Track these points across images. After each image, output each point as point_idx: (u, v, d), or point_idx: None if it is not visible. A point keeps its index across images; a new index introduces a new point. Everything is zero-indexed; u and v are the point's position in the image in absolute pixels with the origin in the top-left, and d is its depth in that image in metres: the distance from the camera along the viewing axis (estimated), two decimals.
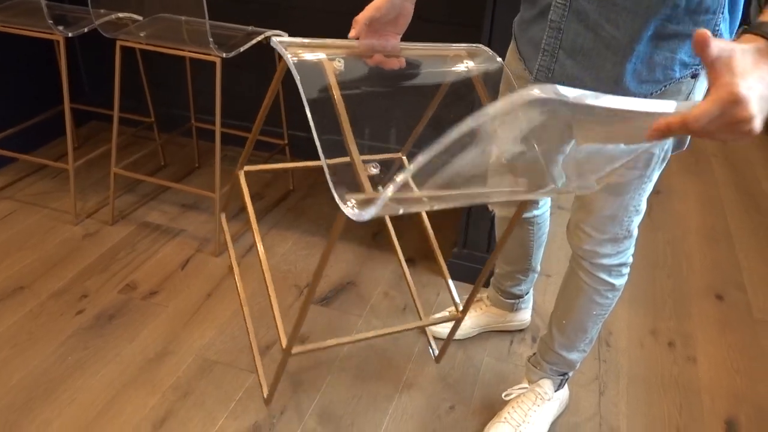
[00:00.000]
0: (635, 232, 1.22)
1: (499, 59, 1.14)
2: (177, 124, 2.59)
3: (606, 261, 1.23)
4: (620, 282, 1.28)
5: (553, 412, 1.46)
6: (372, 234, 2.11)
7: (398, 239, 2.08)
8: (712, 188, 2.54)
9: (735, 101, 0.64)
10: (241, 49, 1.86)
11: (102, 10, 1.98)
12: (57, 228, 2.06)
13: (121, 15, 2.03)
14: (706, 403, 1.56)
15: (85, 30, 1.95)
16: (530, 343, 1.70)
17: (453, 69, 1.17)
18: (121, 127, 2.06)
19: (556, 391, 1.45)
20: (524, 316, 1.72)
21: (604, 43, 0.96)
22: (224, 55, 1.81)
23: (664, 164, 1.13)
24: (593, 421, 1.49)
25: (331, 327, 1.72)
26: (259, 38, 1.96)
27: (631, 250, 1.25)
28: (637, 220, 1.20)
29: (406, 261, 1.99)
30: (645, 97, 0.99)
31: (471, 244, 1.88)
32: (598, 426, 1.48)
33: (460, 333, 1.68)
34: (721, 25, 0.94)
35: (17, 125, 2.37)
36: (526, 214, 1.47)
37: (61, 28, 1.91)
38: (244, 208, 2.20)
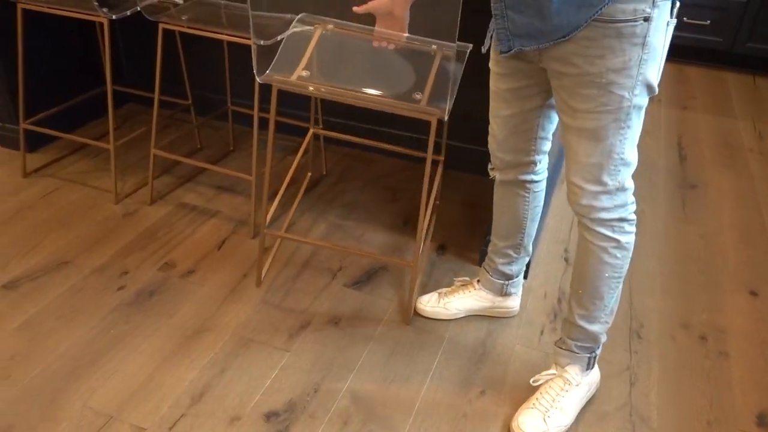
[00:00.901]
0: (628, 185, 1.26)
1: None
2: (213, 107, 2.64)
3: (605, 215, 1.27)
4: (626, 239, 1.30)
5: (581, 396, 1.47)
6: (403, 221, 2.13)
7: (429, 226, 2.10)
8: (748, 183, 2.50)
9: None
10: (279, 38, 1.88)
11: None
12: (98, 206, 2.12)
13: None
14: (738, 397, 1.56)
15: (128, 13, 1.99)
16: (560, 333, 1.71)
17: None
18: (159, 110, 2.10)
19: (585, 372, 1.46)
20: (513, 303, 1.73)
21: None
22: (261, 42, 1.83)
23: (641, 112, 1.19)
24: (623, 410, 1.50)
25: (362, 310, 1.74)
26: (297, 28, 1.97)
27: (631, 207, 1.29)
28: (627, 171, 1.24)
29: (438, 248, 2.01)
30: (587, 22, 1.09)
31: None
32: (629, 415, 1.49)
33: (446, 314, 1.72)
34: None
35: (59, 105, 2.43)
36: (523, 176, 1.51)
37: (105, 10, 1.95)
38: (276, 192, 2.23)
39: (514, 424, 1.42)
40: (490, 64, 1.38)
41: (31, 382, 1.47)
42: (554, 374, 1.48)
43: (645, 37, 1.09)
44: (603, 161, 1.22)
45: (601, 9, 1.07)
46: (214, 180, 2.30)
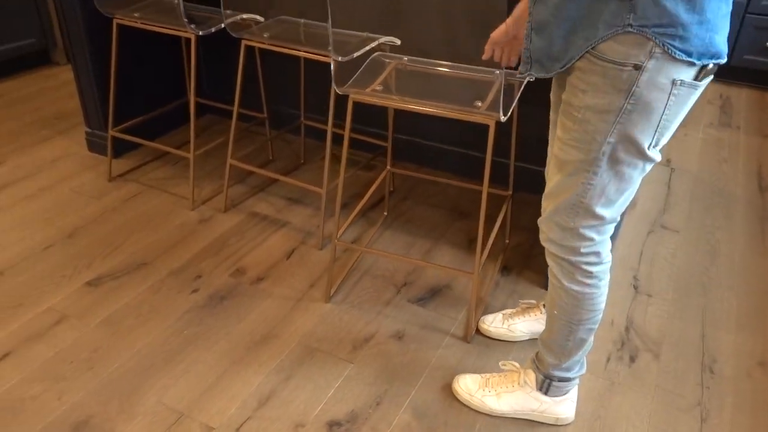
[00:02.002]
0: (588, 234, 1.19)
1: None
2: (287, 121, 2.72)
3: (554, 249, 1.25)
4: (571, 286, 1.26)
5: (526, 405, 1.47)
6: (468, 240, 2.13)
7: (496, 246, 2.10)
8: None
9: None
10: (355, 55, 1.94)
11: (228, 11, 2.11)
12: (176, 212, 2.22)
13: (245, 16, 2.16)
14: None
15: (212, 30, 2.09)
16: (627, 361, 1.67)
17: None
18: (235, 122, 2.19)
19: (541, 390, 1.46)
20: None
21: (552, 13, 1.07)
22: (340, 58, 1.89)
23: (624, 169, 1.10)
24: None
25: (425, 326, 1.76)
26: (372, 45, 2.03)
27: (589, 258, 1.22)
28: (588, 220, 1.17)
29: (503, 269, 2.00)
30: (581, 53, 1.04)
31: None
32: None
33: (510, 336, 1.71)
34: None
35: (144, 114, 2.57)
36: None
37: (193, 26, 2.06)
38: (344, 206, 2.28)
39: (456, 378, 1.55)
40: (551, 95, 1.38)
41: (110, 376, 1.55)
42: (517, 368, 1.51)
43: (632, 86, 1.01)
44: (562, 195, 1.18)
45: (594, 43, 1.02)
46: (284, 191, 2.37)
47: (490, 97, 1.58)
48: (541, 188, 2.39)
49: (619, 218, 1.21)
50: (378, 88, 1.66)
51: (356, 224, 2.18)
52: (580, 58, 1.05)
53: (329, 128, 1.94)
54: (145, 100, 2.62)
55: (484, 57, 1.37)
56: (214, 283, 1.88)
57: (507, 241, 2.11)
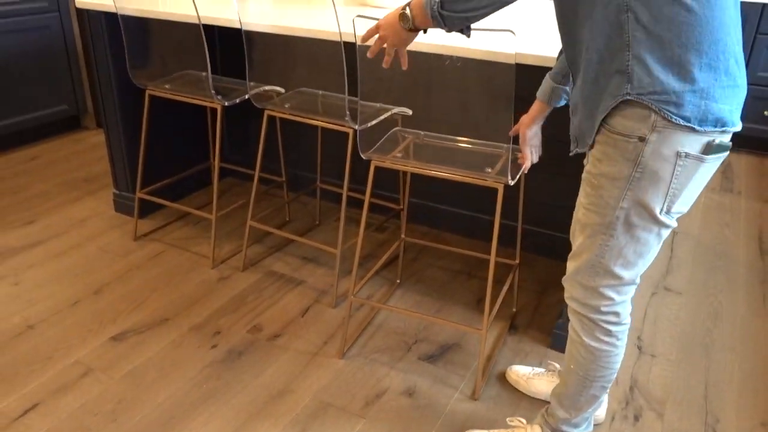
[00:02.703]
0: (609, 294, 1.27)
1: None
2: (304, 184, 2.86)
3: (575, 306, 1.33)
4: (591, 342, 1.33)
5: None
6: (476, 300, 2.21)
7: (504, 305, 2.17)
8: None
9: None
10: (369, 124, 2.08)
11: (253, 83, 2.28)
12: (197, 270, 2.33)
13: (267, 88, 2.32)
14: None
15: (237, 100, 2.25)
16: (632, 420, 1.71)
17: None
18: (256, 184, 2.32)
19: None
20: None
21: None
22: (356, 127, 2.03)
23: (638, 233, 1.19)
24: None
25: (435, 383, 1.82)
26: (386, 115, 2.17)
27: (608, 317, 1.30)
28: (607, 280, 1.25)
29: (510, 328, 2.07)
30: (597, 126, 1.17)
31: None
32: None
33: (525, 389, 1.79)
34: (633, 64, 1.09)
35: (170, 177, 2.72)
36: None
37: (219, 97, 2.23)
38: (360, 265, 2.37)
39: None
40: None
41: (133, 427, 1.62)
42: (524, 425, 1.57)
43: (638, 156, 1.12)
44: (583, 256, 1.27)
45: (603, 119, 1.14)
46: (300, 251, 2.47)
47: (500, 164, 1.70)
48: (543, 249, 2.48)
49: (638, 280, 1.28)
50: (398, 155, 1.79)
51: (369, 284, 2.27)
52: (598, 132, 1.17)
53: (344, 191, 2.06)
54: (170, 164, 2.78)
55: (511, 133, 1.59)
56: (232, 339, 1.96)
57: (514, 309, 2.19)
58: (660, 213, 1.17)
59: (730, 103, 1.09)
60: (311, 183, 2.83)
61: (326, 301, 2.18)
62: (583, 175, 1.26)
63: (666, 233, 1.22)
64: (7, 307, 2.08)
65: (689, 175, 1.13)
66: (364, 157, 1.79)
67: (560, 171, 2.33)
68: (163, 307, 2.11)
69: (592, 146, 1.22)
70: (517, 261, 2.08)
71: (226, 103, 2.22)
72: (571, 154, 1.31)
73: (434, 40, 1.81)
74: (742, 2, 3.45)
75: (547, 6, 2.58)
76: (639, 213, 1.17)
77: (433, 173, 1.70)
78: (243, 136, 2.98)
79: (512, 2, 1.18)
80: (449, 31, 1.26)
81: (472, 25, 1.29)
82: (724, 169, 3.45)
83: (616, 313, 1.30)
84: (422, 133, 1.92)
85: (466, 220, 2.57)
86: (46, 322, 2.02)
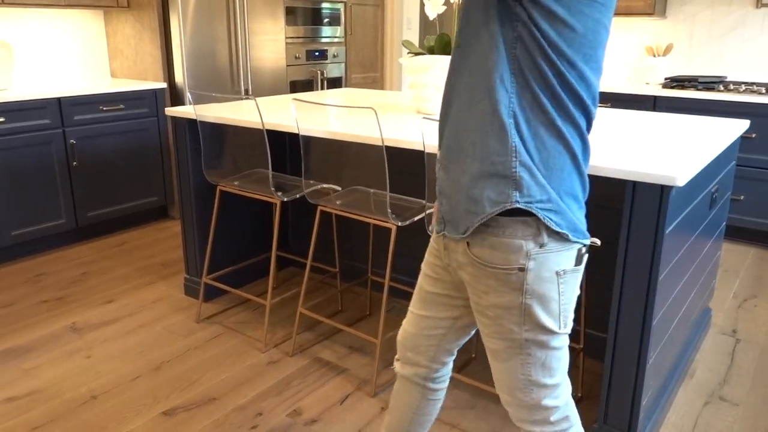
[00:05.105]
0: (551, 403, 1.25)
1: None
2: (356, 275, 3.00)
3: (525, 425, 1.28)
4: None
5: None
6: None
7: None
8: None
9: None
10: (408, 222, 2.21)
11: (311, 181, 2.50)
12: (248, 353, 2.47)
13: (324, 186, 2.53)
14: None
15: (297, 196, 2.46)
16: None
17: None
18: (311, 274, 2.48)
19: None
20: None
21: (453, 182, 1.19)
22: (399, 223, 2.17)
23: (551, 343, 1.19)
24: None
25: None
26: (428, 211, 2.31)
27: (560, 425, 1.27)
28: (545, 392, 1.23)
29: None
30: (469, 226, 1.15)
31: (614, 419, 1.89)
32: None
33: None
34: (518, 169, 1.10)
35: (234, 265, 2.95)
36: (419, 379, 1.46)
37: (279, 194, 2.45)
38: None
39: None
40: (422, 264, 1.42)
41: None
42: None
43: (523, 284, 1.14)
44: (509, 380, 1.25)
45: (481, 219, 1.13)
46: (348, 340, 2.57)
47: None
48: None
49: (567, 379, 1.28)
50: None
51: None
52: (474, 231, 1.16)
53: (386, 282, 2.17)
54: (236, 252, 3.01)
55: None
56: (271, 422, 2.05)
57: (579, 394, 2.15)
58: (560, 329, 1.20)
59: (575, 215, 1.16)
60: (363, 274, 2.97)
61: (366, 389, 2.24)
62: (473, 306, 1.25)
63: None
64: (78, 378, 2.29)
65: (572, 288, 1.19)
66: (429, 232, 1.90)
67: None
68: (213, 386, 2.25)
69: (464, 232, 1.18)
70: (581, 345, 2.08)
71: (285, 199, 2.44)
72: (437, 234, 1.30)
73: None
74: None
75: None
76: (542, 332, 1.19)
77: None
78: (306, 229, 3.20)
79: None
80: None
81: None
82: None
83: (566, 417, 1.29)
84: None
85: None
86: (108, 393, 2.20)
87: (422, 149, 1.98)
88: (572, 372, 2.34)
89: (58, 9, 3.72)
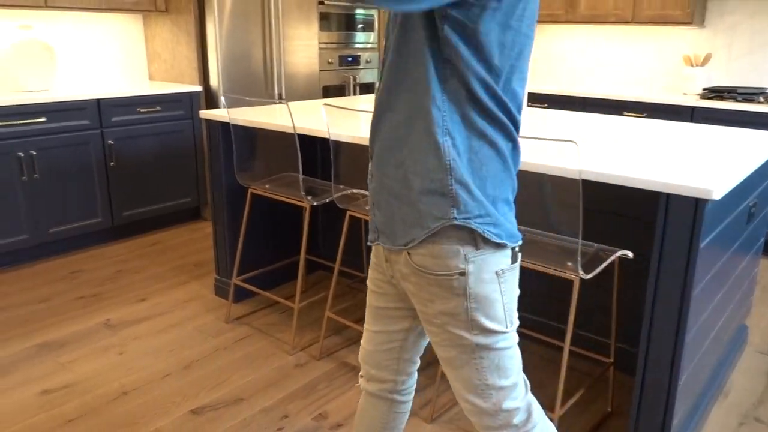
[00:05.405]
0: (511, 405, 1.25)
1: None
2: None
3: None
4: None
5: None
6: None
7: (595, 402, 2.12)
8: None
9: None
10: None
11: (341, 186, 2.51)
12: (276, 355, 2.49)
13: (354, 191, 2.54)
14: None
15: (327, 200, 2.48)
16: None
17: None
18: (339, 278, 2.49)
19: None
20: None
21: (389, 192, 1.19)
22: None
23: (499, 344, 1.20)
24: None
25: None
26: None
27: (524, 427, 1.26)
28: (502, 394, 1.23)
29: (598, 428, 2.01)
30: (415, 238, 1.16)
31: None
32: None
33: None
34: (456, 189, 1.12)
35: (264, 267, 2.98)
36: (385, 393, 1.44)
37: (309, 197, 2.47)
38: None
39: None
40: (367, 281, 1.42)
41: None
42: None
43: (466, 288, 1.15)
44: (467, 387, 1.24)
45: (426, 234, 1.13)
46: None
47: (578, 257, 1.75)
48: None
49: (522, 375, 1.28)
50: None
51: (423, 372, 2.31)
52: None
53: None
54: (265, 255, 3.04)
55: None
56: (297, 425, 2.07)
57: (609, 409, 2.13)
58: (507, 328, 1.21)
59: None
60: None
61: None
62: (420, 317, 1.25)
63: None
64: (110, 374, 2.35)
65: (513, 285, 1.22)
66: None
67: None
68: (240, 387, 2.28)
69: (406, 244, 1.19)
70: (611, 359, 2.05)
71: (315, 203, 2.46)
72: (368, 243, 1.31)
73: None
74: None
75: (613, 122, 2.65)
76: (491, 334, 1.20)
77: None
78: (336, 234, 3.22)
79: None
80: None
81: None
82: None
83: (528, 417, 1.28)
84: None
85: (577, 340, 2.56)
86: (138, 390, 2.25)
87: None
88: (602, 386, 2.30)
89: (99, 12, 3.82)
